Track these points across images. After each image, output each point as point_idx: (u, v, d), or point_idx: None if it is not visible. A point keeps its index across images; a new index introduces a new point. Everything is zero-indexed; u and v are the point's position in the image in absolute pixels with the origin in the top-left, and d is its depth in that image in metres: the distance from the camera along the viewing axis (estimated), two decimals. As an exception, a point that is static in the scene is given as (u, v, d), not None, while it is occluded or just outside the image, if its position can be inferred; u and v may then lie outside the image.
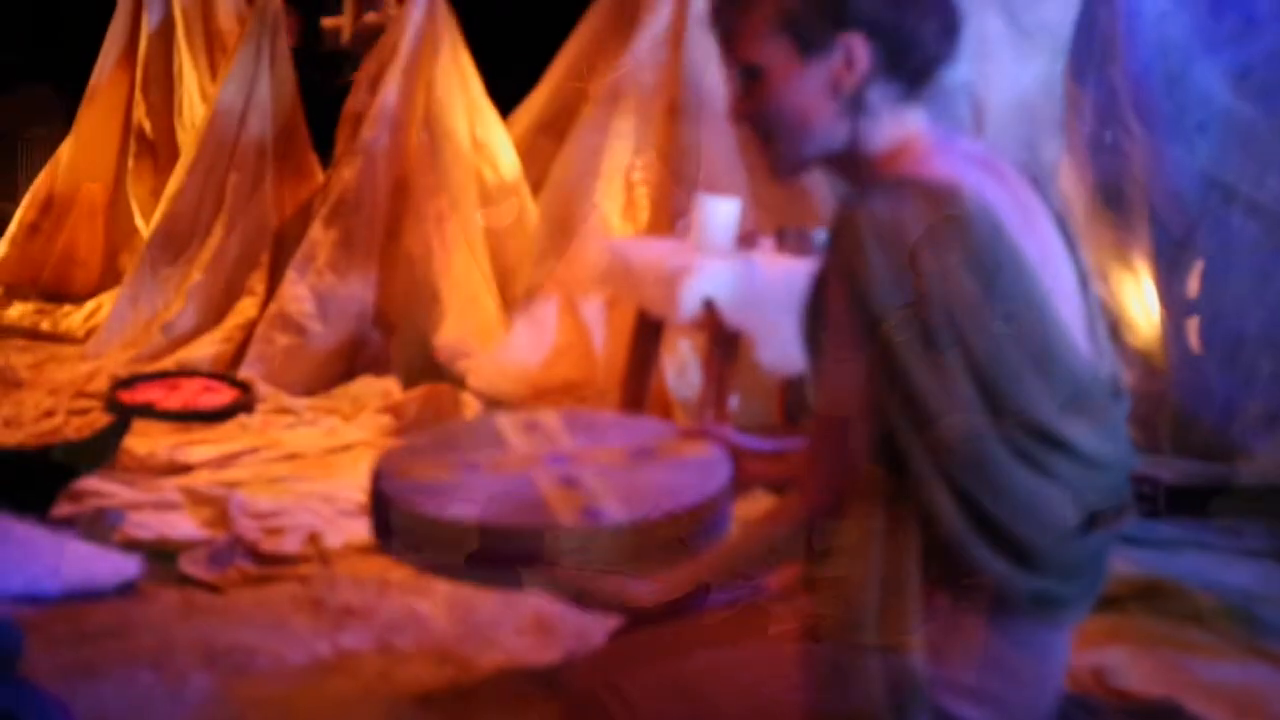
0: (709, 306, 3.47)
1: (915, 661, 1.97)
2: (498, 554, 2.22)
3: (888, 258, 1.91)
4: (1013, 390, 1.92)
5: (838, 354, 1.99)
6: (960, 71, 4.30)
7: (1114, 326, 4.49)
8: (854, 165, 2.08)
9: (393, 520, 2.31)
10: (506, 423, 2.56)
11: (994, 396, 1.91)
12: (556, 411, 2.72)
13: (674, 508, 2.28)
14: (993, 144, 4.34)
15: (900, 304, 1.90)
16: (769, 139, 2.09)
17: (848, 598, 1.97)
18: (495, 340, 4.93)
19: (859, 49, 2.00)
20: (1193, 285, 4.38)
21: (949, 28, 2.04)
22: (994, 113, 4.35)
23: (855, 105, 2.03)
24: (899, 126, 2.05)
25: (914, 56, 2.02)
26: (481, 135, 5.27)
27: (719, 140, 4.61)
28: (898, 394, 1.93)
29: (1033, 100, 4.38)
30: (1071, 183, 4.47)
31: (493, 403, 4.82)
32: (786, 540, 2.10)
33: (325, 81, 5.99)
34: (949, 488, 1.93)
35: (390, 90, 5.23)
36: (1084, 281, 2.08)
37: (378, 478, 2.35)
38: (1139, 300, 4.47)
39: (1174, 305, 4.38)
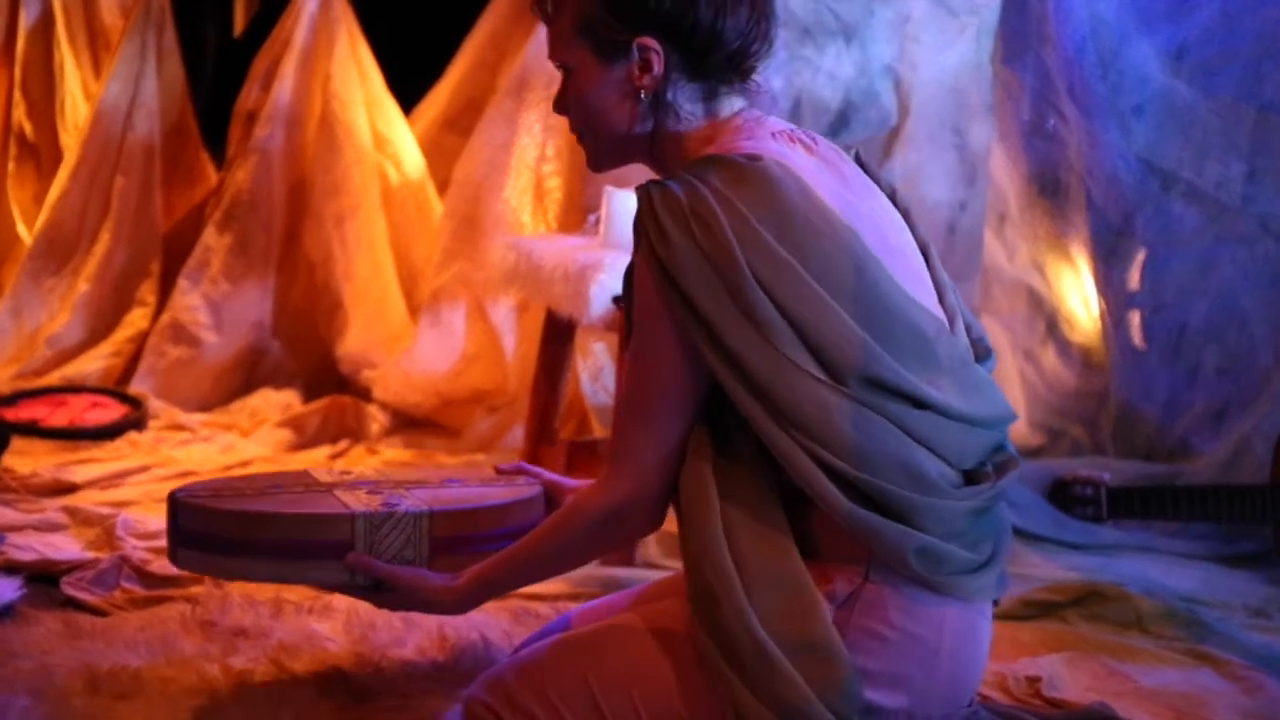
0: (619, 304, 3.53)
1: (833, 645, 2.04)
2: (291, 545, 2.34)
3: (688, 233, 2.04)
4: (845, 349, 2.03)
5: (648, 340, 2.11)
6: (884, 53, 4.38)
7: (1052, 320, 4.58)
8: (665, 159, 2.22)
9: (182, 523, 2.42)
10: (319, 470, 2.70)
11: (826, 357, 2.03)
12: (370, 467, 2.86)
13: (475, 504, 2.43)
14: (919, 128, 4.41)
15: (709, 278, 2.03)
16: (579, 135, 2.27)
17: (717, 593, 2.06)
18: (401, 348, 4.96)
19: (654, 53, 2.16)
20: (1133, 276, 4.45)
21: (758, 19, 2.18)
22: (919, 96, 4.42)
23: (656, 105, 2.19)
24: (710, 118, 2.21)
25: (716, 55, 2.17)
26: (383, 132, 5.29)
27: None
28: (730, 370, 2.04)
29: (960, 84, 4.46)
30: (1004, 171, 4.55)
31: (400, 414, 4.86)
32: (586, 537, 2.21)
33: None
34: (807, 454, 2.04)
35: (285, 85, 5.24)
36: (925, 251, 2.20)
37: (173, 494, 2.47)
38: (1078, 293, 4.54)
39: (1114, 298, 4.46)
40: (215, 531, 2.39)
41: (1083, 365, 4.54)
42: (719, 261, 2.02)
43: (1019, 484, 4.02)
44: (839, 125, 4.38)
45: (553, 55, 2.26)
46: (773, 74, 4.27)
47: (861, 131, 4.37)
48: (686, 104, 2.20)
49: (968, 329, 2.25)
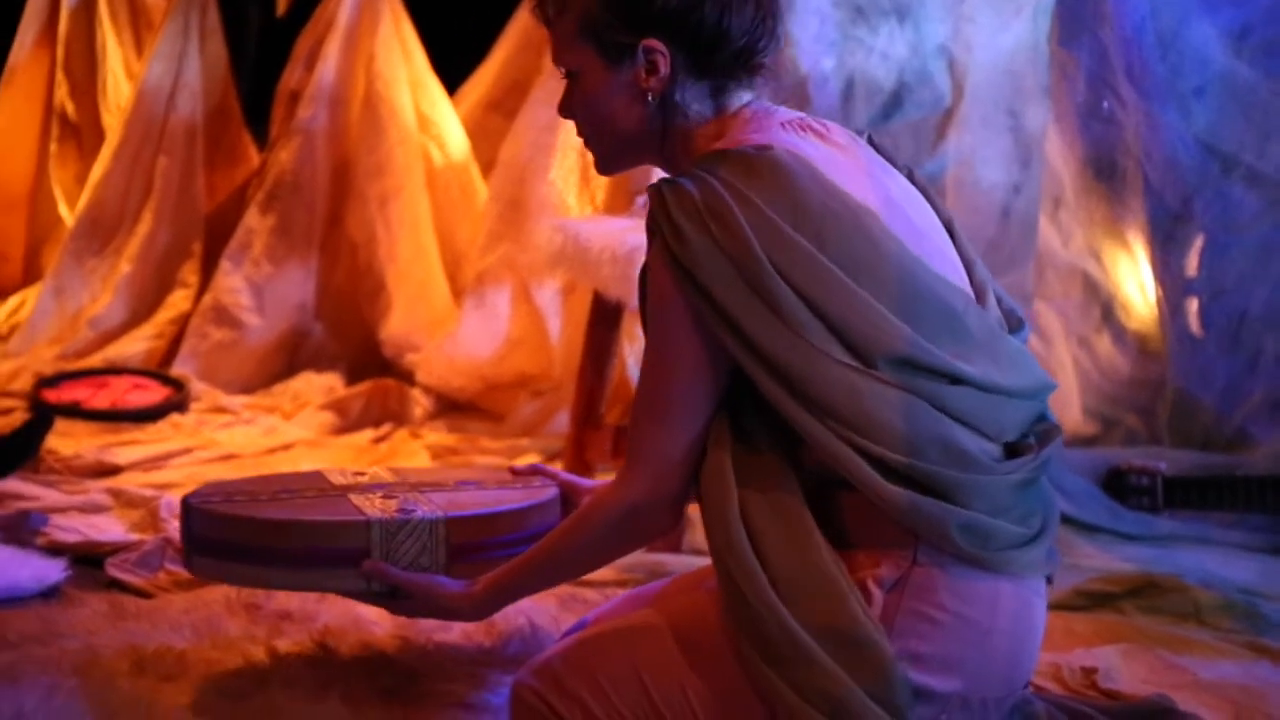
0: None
1: (868, 634, 2.04)
2: (307, 553, 2.37)
3: (704, 229, 2.04)
4: (871, 332, 2.04)
5: (665, 339, 2.12)
6: (938, 33, 4.36)
7: (1108, 307, 4.56)
8: (675, 158, 2.23)
9: (196, 529, 2.46)
10: (333, 471, 2.72)
11: (853, 341, 2.04)
12: (384, 466, 2.94)
13: (491, 509, 2.45)
14: (974, 110, 4.40)
15: (728, 272, 2.03)
16: (587, 139, 2.27)
17: (744, 591, 2.06)
18: (445, 332, 4.98)
19: (660, 54, 2.16)
20: (1191, 262, 4.43)
21: (764, 16, 2.19)
22: (974, 77, 4.40)
23: (664, 107, 2.20)
24: (719, 114, 2.21)
25: (722, 54, 2.18)
26: (427, 112, 5.32)
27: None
28: (757, 363, 2.05)
29: (1015, 65, 4.44)
30: (1060, 154, 4.53)
31: (443, 398, 4.88)
32: (604, 538, 2.23)
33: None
34: (843, 441, 2.04)
35: (328, 65, 5.27)
36: (949, 227, 2.22)
37: (187, 499, 2.50)
38: (1134, 279, 4.53)
39: (1172, 284, 4.44)
40: (230, 539, 2.42)
41: (1139, 353, 4.52)
42: (737, 255, 2.03)
43: (1072, 473, 4.04)
44: (892, 106, 4.36)
45: (556, 60, 2.27)
46: (824, 54, 4.27)
47: (915, 113, 4.36)
48: (695, 103, 2.21)
49: (998, 301, 2.26)
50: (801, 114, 2.23)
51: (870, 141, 2.28)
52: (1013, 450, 2.15)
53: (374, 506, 2.44)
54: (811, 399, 2.03)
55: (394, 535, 2.38)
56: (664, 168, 2.27)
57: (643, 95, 2.19)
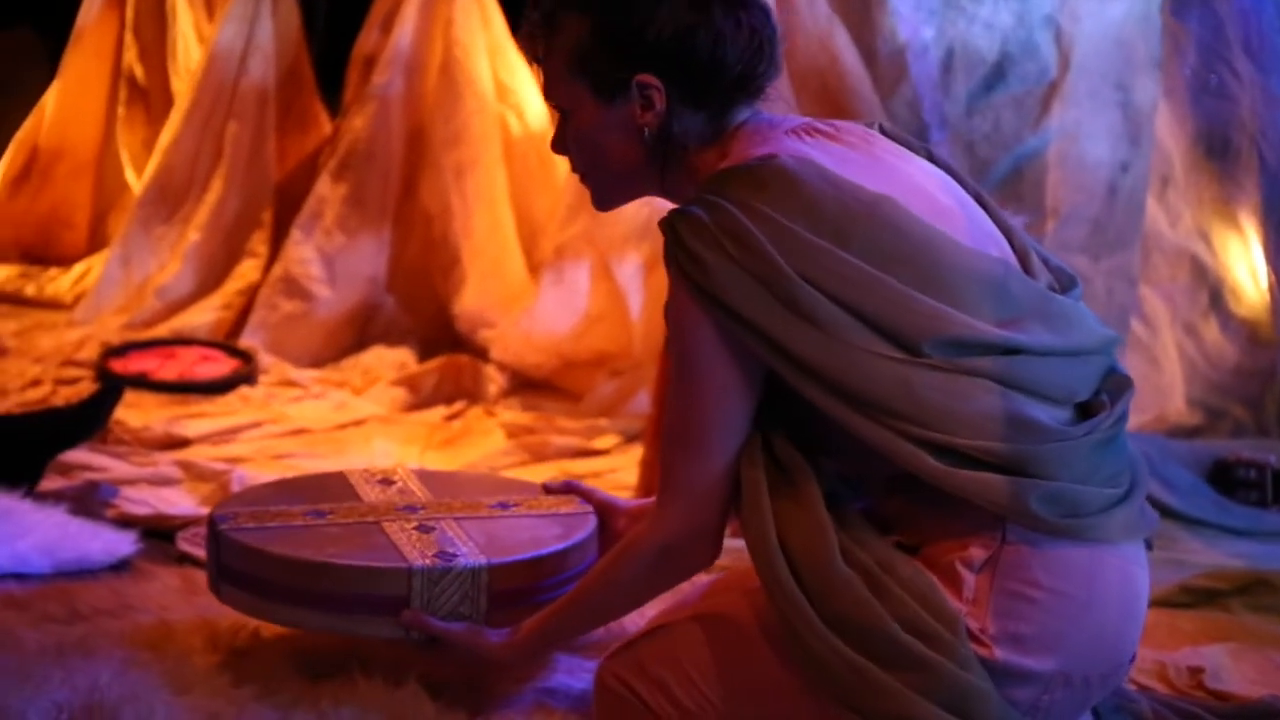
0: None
1: (916, 646, 2.04)
2: (344, 597, 2.41)
3: (724, 254, 2.06)
4: (910, 319, 2.06)
5: (695, 370, 2.13)
6: (1045, 1, 4.34)
7: (1216, 292, 4.52)
8: (679, 186, 2.24)
9: (225, 559, 2.50)
10: (358, 476, 2.76)
11: (894, 333, 2.06)
12: (412, 468, 2.96)
13: (533, 554, 2.47)
14: (1080, 83, 4.37)
15: (757, 292, 2.05)
16: (582, 175, 2.29)
17: (795, 624, 2.08)
18: (521, 307, 4.98)
19: (655, 89, 2.18)
20: (1307, 246, 4.40)
21: (759, 43, 2.20)
22: (1081, 48, 4.37)
23: (662, 140, 2.21)
24: (719, 136, 2.23)
25: (718, 83, 2.19)
26: (505, 80, 5.33)
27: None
28: (804, 377, 2.06)
29: (1125, 36, 4.41)
30: (1169, 130, 4.49)
31: (518, 376, 4.89)
32: (642, 578, 2.26)
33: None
34: (904, 436, 2.06)
35: (405, 29, 5.28)
36: (981, 199, 2.24)
37: (215, 521, 2.53)
38: (1245, 263, 4.49)
39: (1286, 268, 4.41)
40: (262, 575, 2.47)
41: (1248, 340, 4.49)
42: (762, 273, 2.05)
43: (1177, 465, 4.01)
44: (994, 78, 4.33)
45: (547, 97, 2.29)
46: (924, 23, 4.25)
47: (1018, 85, 4.33)
48: (693, 133, 2.22)
49: (1045, 262, 2.26)
50: (807, 119, 2.25)
51: (882, 130, 2.29)
52: (1086, 410, 2.16)
53: (412, 545, 2.47)
54: (864, 400, 2.05)
55: (435, 584, 2.42)
56: (666, 198, 2.28)
57: (639, 131, 2.20)
